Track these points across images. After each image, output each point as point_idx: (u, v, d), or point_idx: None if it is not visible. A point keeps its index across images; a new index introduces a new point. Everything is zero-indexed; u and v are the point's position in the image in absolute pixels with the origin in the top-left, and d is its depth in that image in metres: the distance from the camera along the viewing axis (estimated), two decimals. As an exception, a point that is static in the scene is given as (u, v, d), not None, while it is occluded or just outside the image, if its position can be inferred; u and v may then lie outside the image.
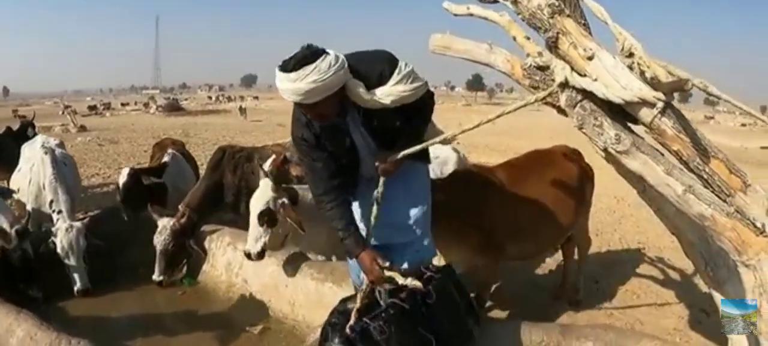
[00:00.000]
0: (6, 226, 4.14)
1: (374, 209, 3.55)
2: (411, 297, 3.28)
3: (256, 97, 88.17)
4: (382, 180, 3.47)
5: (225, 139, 24.10)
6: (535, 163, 5.60)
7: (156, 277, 5.67)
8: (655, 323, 5.82)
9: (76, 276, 5.60)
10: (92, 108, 58.30)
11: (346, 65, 3.17)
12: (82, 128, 31.44)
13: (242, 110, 43.96)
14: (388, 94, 3.27)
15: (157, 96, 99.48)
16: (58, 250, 5.58)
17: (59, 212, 5.93)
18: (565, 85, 2.78)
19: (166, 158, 7.09)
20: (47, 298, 5.33)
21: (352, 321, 3.25)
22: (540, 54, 3.08)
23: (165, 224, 5.82)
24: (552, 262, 7.42)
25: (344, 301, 3.64)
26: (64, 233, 5.62)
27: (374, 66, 3.33)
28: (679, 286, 6.88)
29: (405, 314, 3.23)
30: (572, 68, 2.75)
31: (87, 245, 5.72)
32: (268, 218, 4.74)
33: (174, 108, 54.80)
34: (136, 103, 72.33)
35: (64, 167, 6.59)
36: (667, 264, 7.59)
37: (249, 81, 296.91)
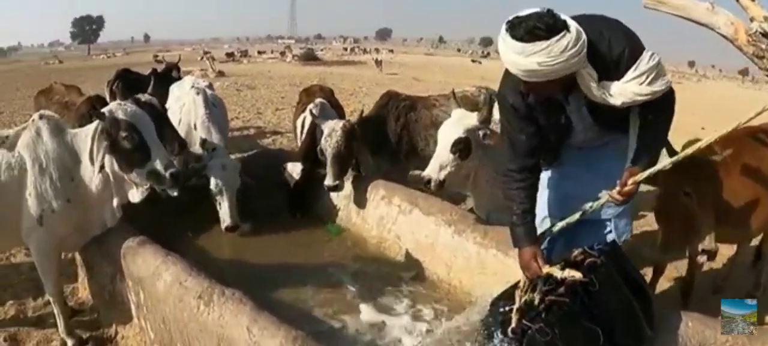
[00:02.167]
0: (160, 168, 4.01)
1: (576, 215, 3.17)
2: (570, 290, 2.90)
3: (391, 51, 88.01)
4: (603, 200, 3.11)
5: (361, 90, 24.16)
6: (756, 142, 4.85)
7: (330, 182, 5.49)
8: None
9: (226, 212, 5.56)
10: (229, 55, 60.15)
11: (584, 51, 2.65)
12: (220, 73, 32.42)
13: (378, 63, 43.87)
14: (620, 93, 2.79)
15: (292, 45, 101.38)
16: (212, 185, 5.55)
17: (213, 149, 5.89)
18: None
19: (312, 109, 6.68)
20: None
21: (513, 324, 2.94)
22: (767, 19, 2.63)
23: (334, 126, 5.57)
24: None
25: (499, 299, 3.28)
26: (219, 169, 5.59)
27: (613, 45, 2.81)
28: None
29: (567, 311, 2.87)
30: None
31: (241, 183, 5.70)
32: (463, 146, 4.49)
33: (310, 58, 55.65)
34: (272, 52, 73.83)
35: (214, 108, 6.57)
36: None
37: (383, 34, 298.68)
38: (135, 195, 4.28)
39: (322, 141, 5.56)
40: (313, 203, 6.17)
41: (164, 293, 3.66)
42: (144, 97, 5.50)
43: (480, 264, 4.47)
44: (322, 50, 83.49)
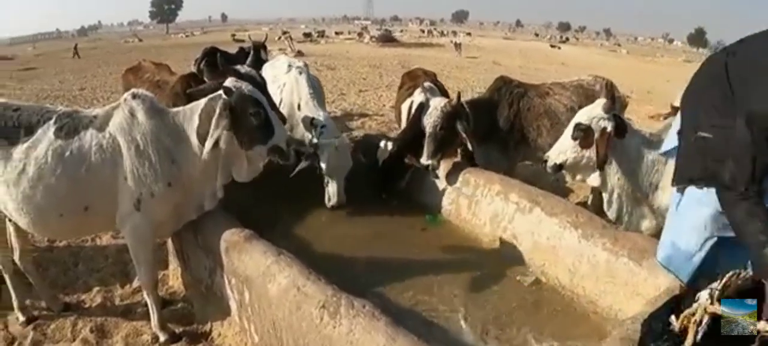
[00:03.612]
0: (283, 144, 3.96)
1: None
2: None
3: (469, 34, 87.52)
4: None
5: (442, 73, 23.72)
6: None
7: (424, 160, 5.38)
8: None
9: (334, 191, 5.45)
10: (307, 35, 60.95)
11: None
12: (300, 53, 32.54)
13: (457, 46, 43.58)
14: None
15: (369, 26, 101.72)
16: (323, 166, 5.41)
17: (323, 126, 5.70)
18: None
19: (418, 96, 6.24)
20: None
21: None
22: None
23: (436, 105, 5.46)
24: None
25: (651, 321, 2.81)
26: (333, 150, 5.42)
27: None
28: None
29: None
30: None
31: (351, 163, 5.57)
32: (583, 134, 4.36)
33: (387, 39, 55.65)
34: (349, 33, 74.22)
35: (315, 89, 6.36)
36: None
37: (460, 17, 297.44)
38: (242, 174, 4.12)
39: (424, 118, 5.41)
40: (416, 192, 5.87)
41: (277, 297, 3.33)
42: (243, 69, 5.43)
43: (608, 272, 4.03)
44: (400, 32, 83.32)
